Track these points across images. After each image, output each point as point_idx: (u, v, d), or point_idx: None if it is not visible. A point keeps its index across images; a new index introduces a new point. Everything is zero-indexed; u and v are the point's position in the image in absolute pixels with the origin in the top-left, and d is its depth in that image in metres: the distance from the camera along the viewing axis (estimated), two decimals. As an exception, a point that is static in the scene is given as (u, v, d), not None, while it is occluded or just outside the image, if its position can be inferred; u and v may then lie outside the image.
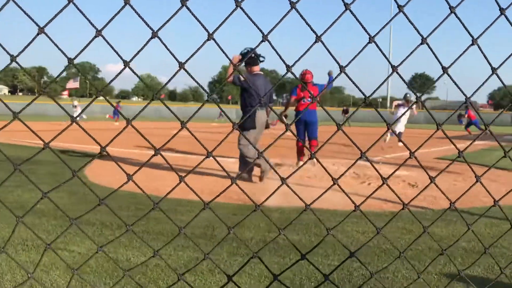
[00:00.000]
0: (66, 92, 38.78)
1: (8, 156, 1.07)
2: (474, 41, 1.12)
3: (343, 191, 1.21)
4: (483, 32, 1.13)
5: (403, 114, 1.34)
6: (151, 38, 0.95)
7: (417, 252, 3.52)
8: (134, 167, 7.44)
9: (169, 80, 1.12)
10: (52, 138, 1.10)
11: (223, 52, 1.05)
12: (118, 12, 0.93)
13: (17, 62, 0.93)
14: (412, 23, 1.09)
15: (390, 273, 3.08)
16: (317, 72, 8.89)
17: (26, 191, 5.38)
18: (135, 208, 4.74)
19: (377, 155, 10.78)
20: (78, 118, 0.92)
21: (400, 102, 16.04)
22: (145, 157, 8.88)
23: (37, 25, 0.90)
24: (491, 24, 1.12)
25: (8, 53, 0.92)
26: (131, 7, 0.92)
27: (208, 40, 0.99)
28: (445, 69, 1.13)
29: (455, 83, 1.24)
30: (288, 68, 1.02)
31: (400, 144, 13.86)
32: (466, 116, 23.02)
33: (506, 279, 3.03)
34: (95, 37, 0.92)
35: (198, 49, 1.00)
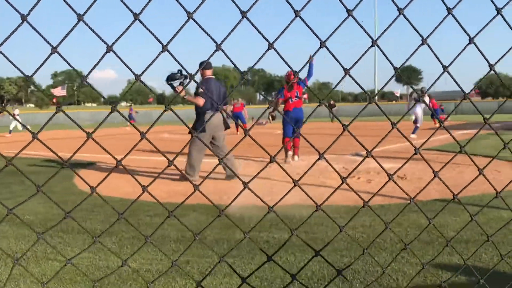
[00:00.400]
0: (54, 100, 38.52)
1: None
2: (471, 40, 1.15)
3: (352, 189, 1.23)
4: (480, 31, 1.16)
5: (412, 107, 1.36)
6: (161, 52, 0.96)
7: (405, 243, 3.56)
8: (121, 174, 7.44)
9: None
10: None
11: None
12: (129, 26, 0.93)
13: None
14: (412, 25, 1.12)
15: (379, 266, 3.11)
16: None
17: (15, 203, 5.33)
18: (125, 215, 4.74)
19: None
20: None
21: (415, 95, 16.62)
22: (133, 162, 8.86)
23: (50, 44, 0.90)
24: (487, 23, 1.16)
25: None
26: (141, 22, 0.93)
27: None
28: (445, 68, 1.15)
29: (456, 82, 1.26)
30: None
31: (413, 135, 14.82)
32: (430, 105, 23.31)
33: (493, 267, 3.08)
34: (107, 52, 0.92)
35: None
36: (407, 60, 1.15)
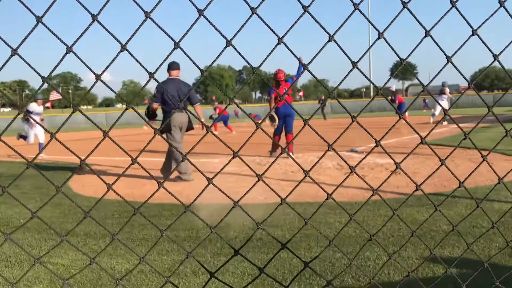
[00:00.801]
0: (48, 104, 38.39)
1: None
2: (474, 32, 1.15)
3: (365, 181, 1.24)
4: (483, 23, 1.17)
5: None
6: (174, 49, 0.96)
7: (399, 238, 3.58)
8: (115, 176, 7.43)
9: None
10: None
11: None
12: (141, 25, 0.94)
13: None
14: (416, 18, 1.12)
15: (372, 261, 3.13)
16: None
17: (10, 207, 5.34)
18: (119, 216, 4.74)
19: (361, 145, 10.87)
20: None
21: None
22: (126, 164, 8.84)
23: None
24: (491, 15, 1.16)
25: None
26: (153, 20, 0.93)
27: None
28: (449, 58, 1.15)
29: (460, 73, 1.26)
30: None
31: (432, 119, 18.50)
32: (397, 101, 23.44)
33: (484, 258, 3.10)
34: (121, 51, 0.92)
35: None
36: (412, 52, 1.16)
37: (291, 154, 9.30)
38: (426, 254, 3.20)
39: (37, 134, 11.54)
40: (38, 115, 11.42)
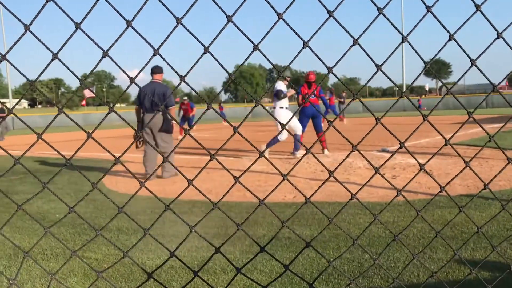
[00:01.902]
0: (83, 102, 39.38)
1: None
2: (499, 35, 1.15)
3: (388, 181, 1.25)
4: (508, 26, 1.16)
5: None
6: (203, 53, 1.00)
7: (430, 240, 3.52)
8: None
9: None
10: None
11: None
12: (172, 31, 0.97)
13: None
14: (439, 21, 1.13)
15: (401, 262, 3.10)
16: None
17: (47, 202, 5.52)
18: (151, 212, 4.84)
19: (392, 144, 10.73)
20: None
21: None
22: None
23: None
24: None
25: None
26: (184, 26, 0.97)
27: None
28: (473, 61, 1.16)
29: (483, 74, 1.26)
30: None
31: None
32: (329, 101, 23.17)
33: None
34: (153, 55, 0.97)
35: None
36: (435, 55, 1.16)
37: (326, 151, 9.44)
38: (457, 257, 3.15)
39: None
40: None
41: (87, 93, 34.98)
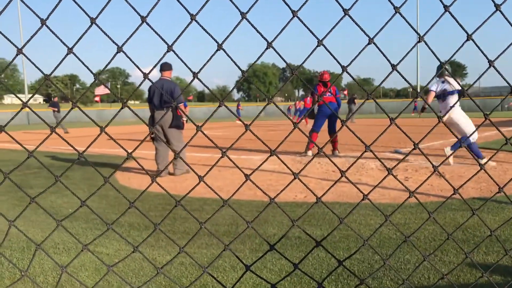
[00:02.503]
0: (97, 98, 39.62)
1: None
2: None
3: (401, 182, 1.25)
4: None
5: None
6: (217, 50, 1.00)
7: (441, 243, 3.49)
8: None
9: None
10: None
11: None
12: (186, 27, 0.98)
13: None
14: (457, 21, 1.12)
15: (411, 264, 3.08)
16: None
17: (60, 197, 5.57)
18: (162, 209, 4.86)
19: (406, 146, 10.66)
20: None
21: None
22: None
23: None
24: None
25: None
26: (198, 22, 0.98)
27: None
28: (491, 62, 1.14)
29: (501, 75, 1.25)
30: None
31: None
32: (301, 104, 22.47)
33: (530, 267, 2.99)
34: (167, 51, 0.97)
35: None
36: (452, 56, 1.15)
37: (336, 152, 9.39)
38: (468, 260, 3.11)
39: None
40: None
41: (99, 90, 35.11)
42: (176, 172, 7.36)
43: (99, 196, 5.61)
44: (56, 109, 21.75)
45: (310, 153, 9.42)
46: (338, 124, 10.89)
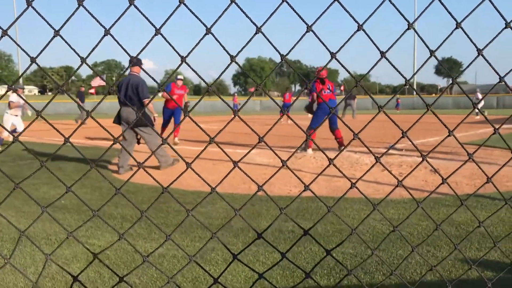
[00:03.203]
0: (92, 91, 39.38)
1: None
2: (507, 25, 1.12)
3: (389, 171, 1.23)
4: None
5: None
6: (205, 34, 0.98)
7: (434, 238, 3.50)
8: (151, 161, 7.60)
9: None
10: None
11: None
12: (174, 11, 0.96)
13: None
14: (446, 8, 1.10)
15: (403, 259, 3.08)
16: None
17: (53, 188, 5.55)
18: (156, 201, 4.85)
19: (401, 142, 10.67)
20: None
21: None
22: (169, 151, 9.03)
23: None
24: None
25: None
26: (186, 6, 0.96)
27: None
28: (480, 51, 1.13)
29: (490, 64, 1.23)
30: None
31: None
32: (284, 100, 22.21)
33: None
34: (154, 35, 0.95)
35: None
36: (442, 43, 1.13)
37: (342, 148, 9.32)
38: (461, 256, 3.12)
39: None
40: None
41: (95, 82, 34.87)
42: (161, 166, 7.28)
43: (92, 187, 5.59)
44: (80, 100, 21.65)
45: (310, 150, 9.21)
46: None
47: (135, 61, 7.43)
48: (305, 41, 1.07)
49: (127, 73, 7.75)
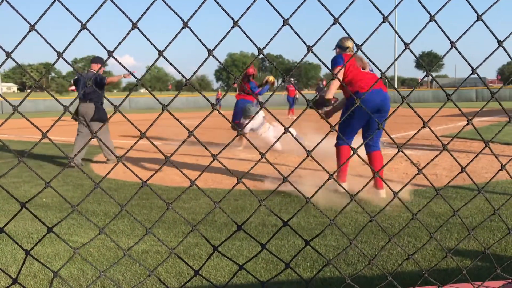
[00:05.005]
0: (73, 87, 38.88)
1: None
2: (479, 17, 1.14)
3: (365, 161, 1.25)
4: (488, 8, 1.16)
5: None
6: (183, 28, 0.97)
7: (414, 229, 3.56)
8: (135, 159, 7.55)
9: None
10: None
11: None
12: (151, 5, 0.96)
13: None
14: (420, 2, 1.12)
15: (385, 250, 3.13)
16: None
17: (34, 186, 5.49)
18: (138, 198, 4.82)
19: (384, 135, 10.78)
20: None
21: None
22: (150, 148, 8.98)
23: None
24: (495, 2, 1.15)
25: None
26: (165, 2, 0.95)
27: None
28: (453, 43, 1.15)
29: (463, 56, 1.26)
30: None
31: None
32: (286, 93, 21.91)
33: (500, 252, 3.07)
34: (131, 29, 0.95)
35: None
36: (416, 35, 1.14)
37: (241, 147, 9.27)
38: (440, 246, 3.18)
39: None
40: None
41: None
42: (109, 162, 7.44)
43: (73, 185, 5.54)
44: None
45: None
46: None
47: (96, 60, 7.46)
48: (286, 36, 1.08)
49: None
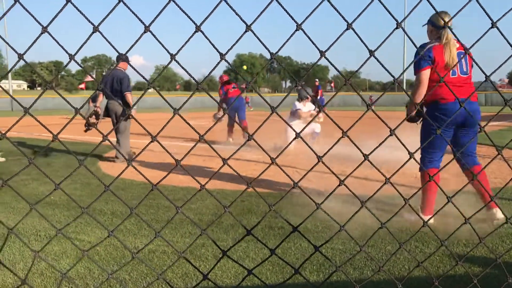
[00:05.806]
0: (82, 86, 39.08)
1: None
2: (493, 24, 1.13)
3: (377, 169, 1.24)
4: (503, 16, 1.15)
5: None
6: (195, 32, 0.97)
7: (422, 234, 3.54)
8: (144, 158, 7.57)
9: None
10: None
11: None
12: (164, 8, 0.96)
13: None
14: (432, 6, 1.11)
15: (394, 255, 3.11)
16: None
17: (42, 184, 5.51)
18: (146, 198, 4.84)
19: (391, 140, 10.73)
20: None
21: None
22: (157, 146, 8.99)
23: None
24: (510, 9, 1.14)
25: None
26: (175, 3, 0.96)
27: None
28: (466, 50, 1.14)
29: (476, 63, 1.25)
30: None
31: None
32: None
33: (508, 258, 3.04)
34: (144, 32, 0.95)
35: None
36: (428, 43, 1.14)
37: (230, 139, 9.35)
38: (448, 252, 3.16)
39: None
40: None
41: (88, 77, 34.77)
42: (116, 160, 7.59)
43: (81, 184, 5.56)
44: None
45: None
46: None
47: (124, 58, 7.63)
48: (295, 37, 1.08)
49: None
